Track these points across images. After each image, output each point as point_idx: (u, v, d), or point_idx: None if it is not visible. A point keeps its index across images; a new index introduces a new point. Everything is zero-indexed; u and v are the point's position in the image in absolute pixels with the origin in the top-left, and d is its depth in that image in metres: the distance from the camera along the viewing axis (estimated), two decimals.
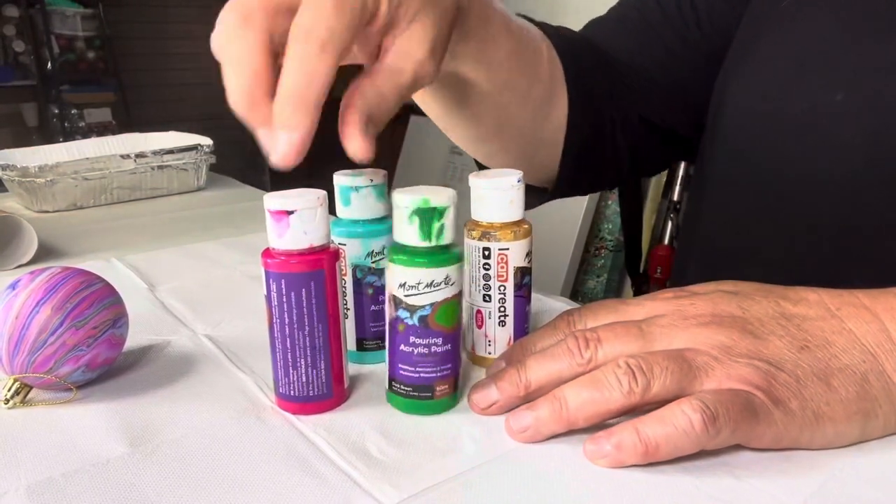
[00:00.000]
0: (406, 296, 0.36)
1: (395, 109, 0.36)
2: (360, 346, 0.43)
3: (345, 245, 0.41)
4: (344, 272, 0.42)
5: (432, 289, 0.35)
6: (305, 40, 0.31)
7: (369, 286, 0.42)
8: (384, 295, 0.37)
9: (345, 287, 0.42)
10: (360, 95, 0.34)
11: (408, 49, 0.35)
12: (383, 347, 0.38)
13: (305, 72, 0.31)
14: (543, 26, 0.54)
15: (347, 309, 0.42)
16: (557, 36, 0.54)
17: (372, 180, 0.40)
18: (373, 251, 0.41)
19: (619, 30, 0.58)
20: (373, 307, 0.42)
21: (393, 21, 0.35)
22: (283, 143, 0.32)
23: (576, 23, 0.60)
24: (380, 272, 0.41)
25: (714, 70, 0.55)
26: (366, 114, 0.34)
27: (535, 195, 0.58)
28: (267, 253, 0.36)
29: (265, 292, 0.36)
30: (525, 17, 0.53)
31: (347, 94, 0.35)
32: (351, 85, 0.35)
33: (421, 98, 0.50)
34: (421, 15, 0.35)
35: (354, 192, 0.40)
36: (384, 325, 0.38)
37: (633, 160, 0.59)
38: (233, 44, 0.32)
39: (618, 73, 0.56)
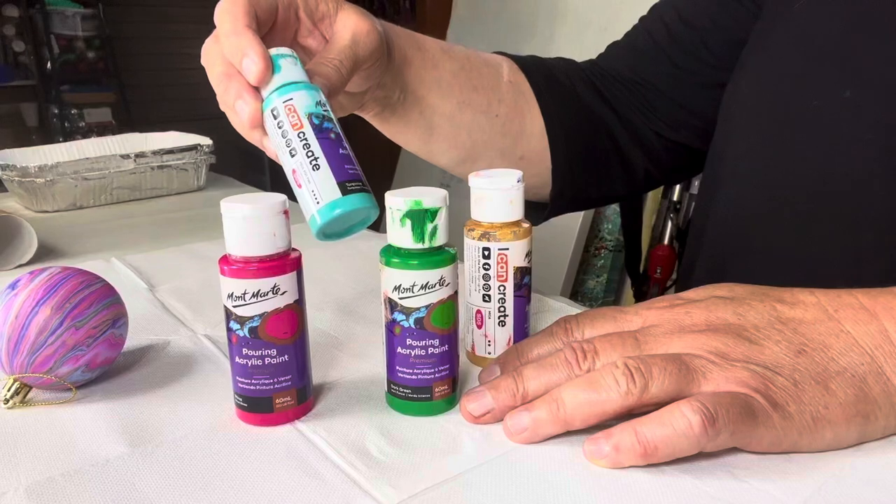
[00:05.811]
0: (401, 298, 0.36)
1: (349, 74, 0.42)
2: (344, 189, 0.38)
3: (291, 100, 0.39)
4: (301, 125, 0.39)
5: (427, 290, 0.35)
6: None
7: (330, 131, 0.39)
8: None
9: (306, 138, 0.39)
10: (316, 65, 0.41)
11: (345, 23, 0.43)
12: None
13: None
14: (510, 55, 0.59)
15: (316, 158, 0.39)
16: (520, 57, 0.58)
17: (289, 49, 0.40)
18: (319, 101, 0.39)
19: (629, 50, 0.62)
20: (341, 151, 0.39)
21: (322, 16, 0.44)
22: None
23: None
24: (334, 119, 0.39)
25: (720, 82, 0.56)
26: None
27: (537, 212, 0.61)
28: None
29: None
30: (501, 53, 0.59)
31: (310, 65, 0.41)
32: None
33: (395, 132, 0.54)
34: (343, 5, 0.44)
35: (282, 58, 0.39)
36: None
37: (648, 174, 0.62)
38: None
39: (618, 92, 0.60)
